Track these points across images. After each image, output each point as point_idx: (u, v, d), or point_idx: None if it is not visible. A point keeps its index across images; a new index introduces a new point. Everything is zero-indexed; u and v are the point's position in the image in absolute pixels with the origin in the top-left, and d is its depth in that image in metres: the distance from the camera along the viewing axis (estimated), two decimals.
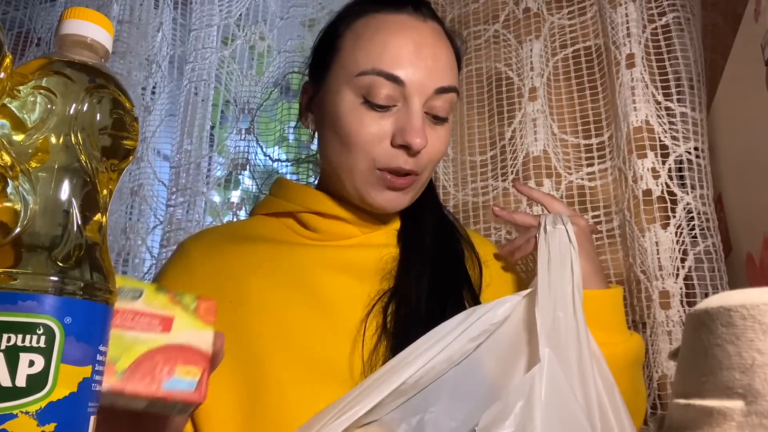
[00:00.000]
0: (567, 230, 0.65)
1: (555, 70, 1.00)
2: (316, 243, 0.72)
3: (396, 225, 0.75)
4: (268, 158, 1.13)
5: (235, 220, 1.10)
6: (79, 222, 0.36)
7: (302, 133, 1.12)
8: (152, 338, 0.42)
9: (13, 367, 0.32)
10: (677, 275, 0.80)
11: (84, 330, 0.34)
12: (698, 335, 0.36)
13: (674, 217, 0.82)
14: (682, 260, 0.80)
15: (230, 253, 0.70)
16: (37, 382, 0.32)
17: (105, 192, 0.38)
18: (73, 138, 0.36)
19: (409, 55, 0.66)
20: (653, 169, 0.84)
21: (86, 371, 0.35)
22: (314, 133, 0.77)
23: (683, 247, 0.81)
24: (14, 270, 0.33)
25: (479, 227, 0.99)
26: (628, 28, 0.88)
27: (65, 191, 0.36)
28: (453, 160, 1.06)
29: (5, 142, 0.35)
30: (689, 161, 0.83)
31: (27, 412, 0.32)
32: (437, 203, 0.79)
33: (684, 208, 0.82)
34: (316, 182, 0.81)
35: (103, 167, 0.38)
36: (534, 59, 0.99)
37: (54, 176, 0.36)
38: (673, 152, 0.84)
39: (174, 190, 1.10)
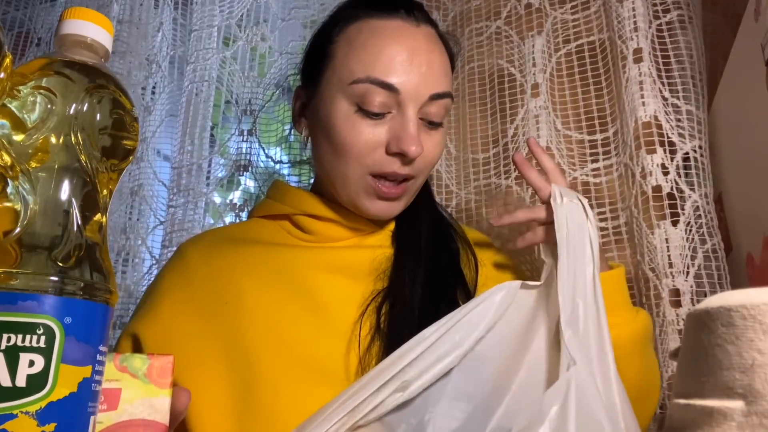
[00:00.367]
0: (583, 205, 0.63)
1: (558, 65, 0.99)
2: (311, 245, 0.72)
3: (390, 227, 0.75)
4: (270, 160, 1.13)
5: (237, 221, 1.11)
6: (79, 222, 0.36)
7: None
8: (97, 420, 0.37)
9: (13, 367, 0.32)
10: (687, 273, 0.78)
11: (84, 330, 0.35)
12: (698, 335, 0.36)
13: (683, 214, 0.80)
14: (692, 258, 0.79)
15: (226, 255, 0.71)
16: (37, 382, 0.32)
17: (105, 192, 0.38)
18: (73, 138, 0.36)
19: (402, 62, 0.65)
20: (662, 165, 0.82)
21: (86, 371, 0.35)
22: (308, 139, 0.76)
23: (693, 245, 0.79)
24: (14, 270, 0.33)
25: (482, 225, 0.99)
26: (635, 23, 0.87)
27: (65, 191, 0.36)
28: (456, 158, 1.06)
29: (5, 142, 0.35)
30: (695, 159, 0.82)
31: (27, 412, 0.32)
32: (432, 203, 0.79)
33: (692, 206, 0.81)
34: (311, 185, 0.81)
35: (103, 167, 0.38)
36: (536, 55, 0.98)
37: (54, 176, 0.36)
38: (680, 149, 0.83)
39: (175, 191, 1.10)
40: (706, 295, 0.77)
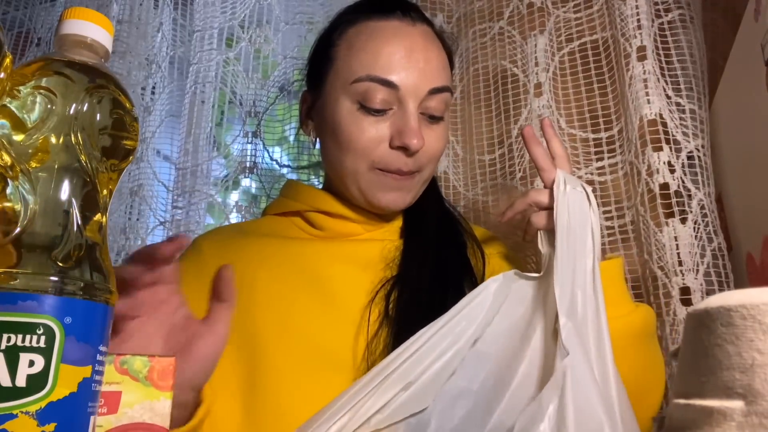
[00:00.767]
0: (587, 193, 0.63)
1: (561, 64, 0.98)
2: (322, 239, 0.74)
3: (399, 223, 0.78)
4: (275, 162, 1.13)
5: (243, 221, 1.11)
6: (79, 222, 0.36)
7: (301, 134, 1.12)
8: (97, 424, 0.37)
9: (13, 367, 0.32)
10: (697, 271, 0.78)
11: (84, 330, 0.35)
12: (698, 335, 0.36)
13: (691, 212, 0.80)
14: (701, 256, 0.79)
15: (239, 247, 0.73)
16: (37, 382, 0.32)
17: (105, 192, 0.38)
18: (73, 138, 0.36)
19: (401, 59, 0.68)
20: (669, 163, 0.82)
21: (86, 371, 0.35)
22: (315, 140, 0.79)
23: (701, 243, 0.79)
24: (14, 270, 0.33)
25: (489, 223, 0.99)
26: (638, 20, 0.87)
27: (65, 191, 0.36)
28: (463, 159, 1.06)
29: (5, 142, 0.35)
30: (698, 158, 0.82)
31: (27, 412, 0.32)
32: (439, 198, 0.81)
33: (698, 204, 0.80)
34: (321, 185, 0.84)
35: (103, 167, 0.38)
36: (539, 54, 0.98)
37: (54, 176, 0.36)
38: (685, 148, 0.82)
39: (179, 192, 1.11)
40: (716, 294, 0.77)
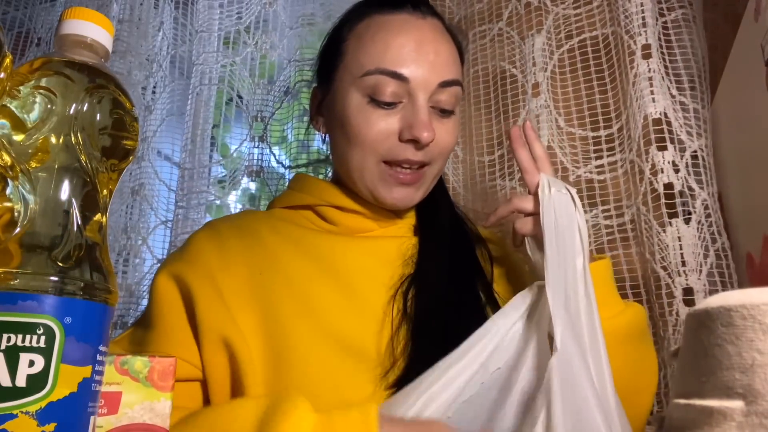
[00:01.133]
0: (572, 195, 0.63)
1: (560, 62, 0.98)
2: (336, 234, 0.74)
3: (411, 220, 0.77)
4: (281, 165, 1.14)
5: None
6: (79, 222, 0.36)
7: (300, 133, 1.12)
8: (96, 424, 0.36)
9: (13, 367, 0.32)
10: (701, 271, 0.78)
11: (84, 330, 0.35)
12: (698, 335, 0.36)
13: (695, 212, 0.80)
14: (705, 256, 0.79)
15: (256, 231, 0.72)
16: (37, 382, 0.32)
17: (105, 192, 0.38)
18: (73, 138, 0.36)
19: (410, 52, 0.67)
20: (673, 163, 0.82)
21: (86, 371, 0.35)
22: (325, 136, 0.79)
23: (705, 243, 0.79)
24: (14, 270, 0.33)
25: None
26: (643, 18, 0.87)
27: (65, 191, 0.36)
28: (462, 161, 1.06)
29: (5, 142, 0.35)
30: (702, 158, 0.82)
31: (27, 412, 0.32)
32: (449, 199, 0.81)
33: (702, 204, 0.80)
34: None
35: (103, 167, 0.38)
36: (536, 54, 0.98)
37: (54, 176, 0.36)
38: (689, 148, 0.82)
39: (183, 192, 1.11)
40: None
